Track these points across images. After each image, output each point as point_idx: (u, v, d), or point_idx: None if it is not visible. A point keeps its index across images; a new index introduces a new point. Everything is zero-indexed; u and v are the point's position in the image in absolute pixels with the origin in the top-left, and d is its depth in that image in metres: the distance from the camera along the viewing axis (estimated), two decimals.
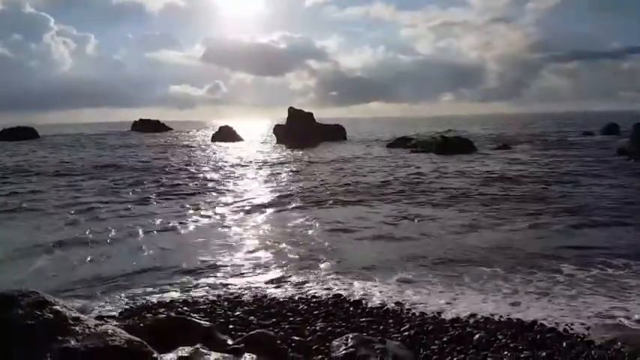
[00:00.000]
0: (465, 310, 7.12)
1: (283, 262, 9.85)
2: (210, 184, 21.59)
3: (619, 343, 5.48)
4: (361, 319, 6.70)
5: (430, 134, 46.03)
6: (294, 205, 16.25)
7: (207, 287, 8.39)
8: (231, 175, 25.24)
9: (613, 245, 10.38)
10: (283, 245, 11.14)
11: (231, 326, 6.30)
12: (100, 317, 6.30)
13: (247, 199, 17.45)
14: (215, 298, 7.72)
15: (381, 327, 6.39)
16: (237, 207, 16.12)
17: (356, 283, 8.48)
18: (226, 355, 4.08)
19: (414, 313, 7.01)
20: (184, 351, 3.88)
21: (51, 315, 3.46)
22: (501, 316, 6.83)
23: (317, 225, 13.18)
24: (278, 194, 18.34)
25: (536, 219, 13.28)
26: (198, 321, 5.11)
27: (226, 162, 32.40)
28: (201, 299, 7.71)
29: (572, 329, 6.27)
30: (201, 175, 25.18)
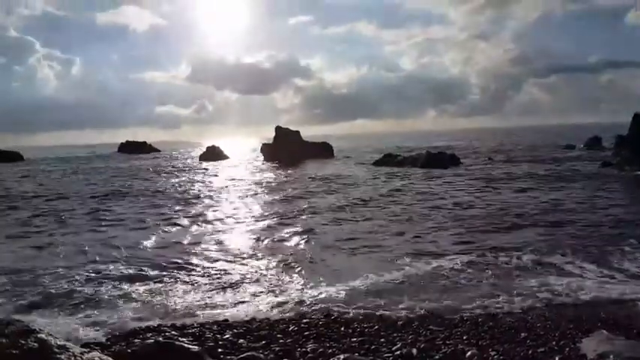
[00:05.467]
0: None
1: (270, 281, 9.77)
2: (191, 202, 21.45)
3: (611, 357, 5.48)
4: (352, 339, 6.63)
5: (416, 150, 46.36)
6: (274, 222, 16.26)
7: (195, 310, 8.26)
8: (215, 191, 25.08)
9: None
10: (269, 264, 11.10)
11: (220, 350, 6.19)
12: (86, 345, 6.17)
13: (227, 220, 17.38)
14: (203, 322, 7.59)
15: (373, 347, 6.33)
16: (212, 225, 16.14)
17: (345, 297, 8.46)
18: None
19: (406, 330, 6.97)
20: None
21: (36, 344, 3.38)
22: (493, 330, 6.84)
23: (301, 242, 13.14)
24: (267, 215, 18.28)
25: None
26: (186, 346, 5.03)
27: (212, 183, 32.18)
28: (190, 323, 7.57)
29: (560, 343, 6.27)
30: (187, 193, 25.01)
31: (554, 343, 6.30)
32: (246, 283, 9.78)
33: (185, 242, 13.75)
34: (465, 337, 6.63)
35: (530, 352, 5.99)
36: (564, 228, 13.85)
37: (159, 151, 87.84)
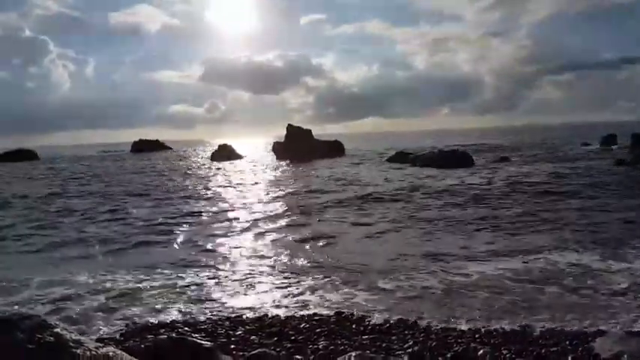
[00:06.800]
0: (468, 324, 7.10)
1: (283, 279, 9.82)
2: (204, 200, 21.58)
3: (625, 357, 5.43)
4: (364, 337, 6.65)
5: (429, 148, 45.99)
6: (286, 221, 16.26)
7: (208, 307, 8.33)
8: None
9: None
10: (280, 260, 11.15)
11: (232, 346, 6.25)
12: (100, 339, 6.25)
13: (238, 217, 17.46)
14: (216, 318, 7.66)
15: (384, 344, 6.34)
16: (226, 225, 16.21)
17: (359, 298, 8.46)
18: None
19: (417, 328, 6.97)
20: None
21: (52, 338, 3.43)
22: (505, 330, 6.83)
23: (318, 243, 13.14)
24: (275, 211, 18.34)
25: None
26: (199, 341, 5.07)
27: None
28: (202, 319, 7.65)
29: (573, 343, 6.22)
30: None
31: (567, 342, 6.26)
32: (259, 280, 9.83)
33: (195, 241, 13.83)
34: (477, 336, 6.62)
35: (543, 351, 5.96)
36: (577, 227, 13.70)
37: (170, 148, 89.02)
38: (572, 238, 12.41)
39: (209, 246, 13.15)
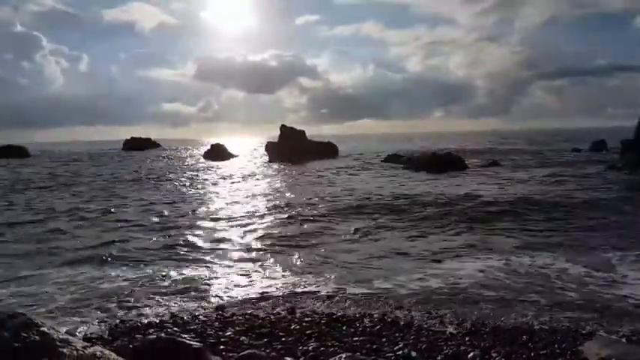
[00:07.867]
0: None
1: (274, 280, 9.79)
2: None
3: None
4: (354, 339, 6.62)
5: (421, 151, 46.10)
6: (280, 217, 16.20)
7: (197, 307, 8.29)
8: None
9: None
10: (271, 262, 11.13)
11: (222, 347, 6.21)
12: (88, 339, 6.19)
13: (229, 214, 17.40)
14: (206, 319, 7.62)
15: (375, 346, 6.32)
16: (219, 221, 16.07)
17: (350, 299, 8.46)
18: None
19: (408, 331, 6.96)
20: None
21: (37, 337, 3.39)
22: (495, 332, 6.84)
23: (310, 244, 13.12)
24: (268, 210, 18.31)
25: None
26: (188, 342, 5.04)
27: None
28: (192, 319, 7.60)
29: (562, 346, 6.25)
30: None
31: (555, 346, 6.28)
32: (250, 281, 9.82)
33: (186, 241, 13.76)
34: (467, 339, 6.62)
35: (532, 354, 5.98)
36: (567, 232, 13.80)
37: (159, 146, 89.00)
38: (564, 242, 12.53)
39: (200, 247, 13.09)
